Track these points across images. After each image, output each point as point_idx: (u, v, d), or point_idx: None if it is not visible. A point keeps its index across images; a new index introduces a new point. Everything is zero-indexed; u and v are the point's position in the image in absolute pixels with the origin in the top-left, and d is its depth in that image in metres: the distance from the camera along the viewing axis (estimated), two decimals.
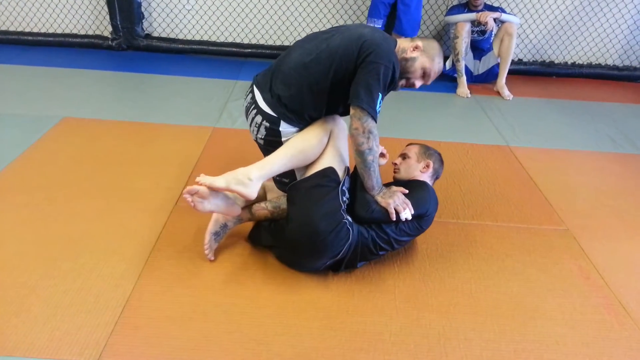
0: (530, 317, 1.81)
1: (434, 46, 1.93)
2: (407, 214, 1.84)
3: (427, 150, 2.15)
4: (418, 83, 1.95)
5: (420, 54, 1.90)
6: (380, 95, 1.77)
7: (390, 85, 1.85)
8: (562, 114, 3.74)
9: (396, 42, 1.92)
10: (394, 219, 1.83)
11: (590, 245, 2.22)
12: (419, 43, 1.90)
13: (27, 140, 2.76)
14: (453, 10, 4.02)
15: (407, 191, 1.90)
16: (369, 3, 3.99)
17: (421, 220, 1.93)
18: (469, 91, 4.00)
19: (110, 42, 4.46)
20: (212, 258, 1.93)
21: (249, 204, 2.00)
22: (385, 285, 1.90)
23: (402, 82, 1.94)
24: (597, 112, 3.82)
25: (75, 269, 1.86)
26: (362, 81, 1.77)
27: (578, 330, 1.76)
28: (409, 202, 1.86)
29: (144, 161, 2.65)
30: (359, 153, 1.81)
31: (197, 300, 1.76)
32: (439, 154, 2.17)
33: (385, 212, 1.83)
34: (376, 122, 1.79)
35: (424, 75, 1.93)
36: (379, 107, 1.78)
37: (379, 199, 1.85)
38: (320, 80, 1.84)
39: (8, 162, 2.52)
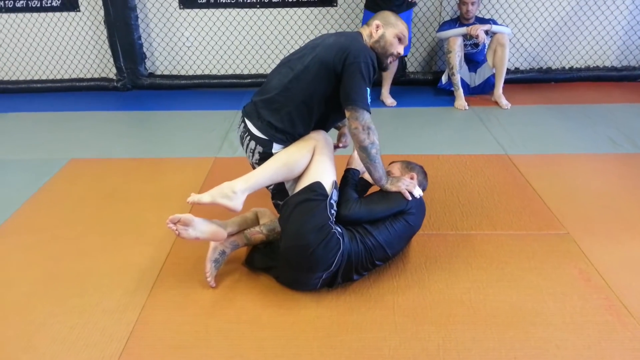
0: (531, 322, 1.80)
1: (388, 14, 2.10)
2: (418, 191, 2.02)
3: (409, 165, 2.21)
4: (400, 49, 2.08)
5: (383, 28, 2.04)
6: (367, 89, 1.91)
7: (374, 74, 1.97)
8: (561, 119, 3.75)
9: (361, 35, 2.06)
10: (410, 199, 1.98)
11: (591, 248, 2.21)
12: (377, 21, 2.05)
13: (35, 183, 2.86)
14: (444, 25, 4.09)
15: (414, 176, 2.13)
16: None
17: (405, 215, 1.99)
18: (466, 103, 4.03)
19: (115, 83, 4.63)
20: (214, 284, 1.98)
21: (243, 229, 2.06)
22: (384, 301, 1.91)
23: (390, 58, 2.08)
24: (597, 114, 3.82)
25: (81, 305, 1.92)
26: (348, 83, 1.90)
27: (579, 333, 1.75)
28: (415, 182, 2.05)
29: (148, 195, 2.73)
30: (363, 149, 1.93)
31: (198, 327, 1.80)
32: (421, 167, 2.23)
33: (366, 210, 1.95)
34: (370, 113, 1.92)
35: (400, 40, 2.05)
36: (370, 99, 1.91)
37: (388, 186, 2.00)
38: (306, 98, 1.95)
39: (18, 206, 2.62)
